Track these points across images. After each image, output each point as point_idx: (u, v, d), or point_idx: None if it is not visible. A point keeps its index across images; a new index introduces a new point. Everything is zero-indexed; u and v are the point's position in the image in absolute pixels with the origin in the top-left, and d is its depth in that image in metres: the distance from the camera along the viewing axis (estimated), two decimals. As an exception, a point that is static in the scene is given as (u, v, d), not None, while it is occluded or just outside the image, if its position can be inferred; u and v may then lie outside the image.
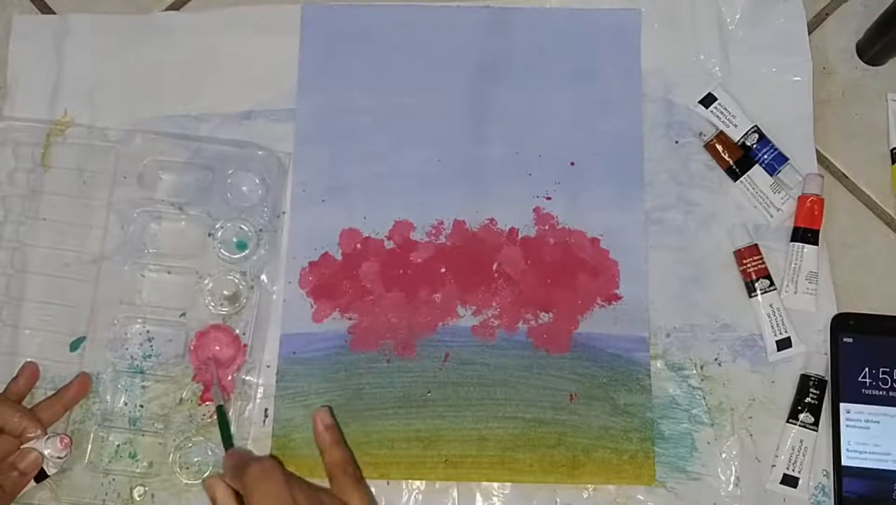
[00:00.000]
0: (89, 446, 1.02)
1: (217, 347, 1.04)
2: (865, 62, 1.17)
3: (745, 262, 1.07)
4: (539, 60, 1.14)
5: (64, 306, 1.07)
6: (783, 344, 1.05)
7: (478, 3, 1.16)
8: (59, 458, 0.98)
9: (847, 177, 1.13)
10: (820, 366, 1.05)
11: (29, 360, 1.05)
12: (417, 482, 1.03)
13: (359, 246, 1.09)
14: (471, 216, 1.10)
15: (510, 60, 1.15)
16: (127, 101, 1.13)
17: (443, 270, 1.09)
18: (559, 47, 1.15)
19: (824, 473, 1.03)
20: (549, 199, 1.10)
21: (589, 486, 1.03)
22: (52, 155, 1.10)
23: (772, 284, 1.06)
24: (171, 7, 1.17)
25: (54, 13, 1.17)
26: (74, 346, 1.06)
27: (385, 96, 1.14)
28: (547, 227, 1.09)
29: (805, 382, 1.04)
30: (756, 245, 1.07)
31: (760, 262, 1.07)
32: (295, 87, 1.13)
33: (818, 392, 1.03)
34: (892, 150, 1.13)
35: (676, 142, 1.12)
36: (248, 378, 1.04)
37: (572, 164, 1.11)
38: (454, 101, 1.13)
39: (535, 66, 1.14)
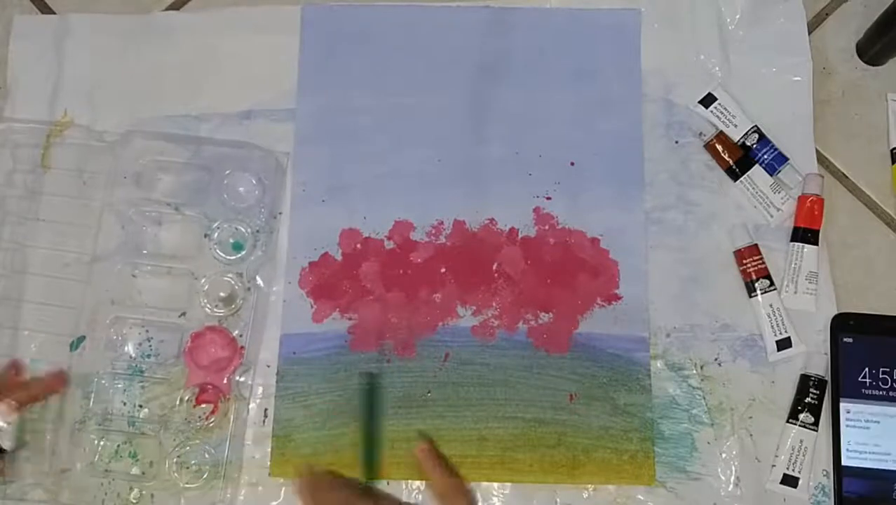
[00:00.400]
0: (89, 447, 1.02)
1: (213, 349, 1.03)
2: (865, 62, 1.16)
3: (745, 262, 1.06)
4: (539, 60, 1.14)
5: (63, 307, 1.06)
6: (783, 344, 1.05)
7: (478, 3, 1.15)
8: (8, 424, 0.96)
9: (847, 177, 1.12)
10: (820, 366, 1.04)
11: (57, 368, 1.04)
12: (417, 482, 1.02)
13: (359, 246, 1.08)
14: (471, 216, 1.09)
15: (510, 60, 1.14)
16: (127, 101, 1.12)
17: (443, 270, 1.08)
18: (559, 47, 1.14)
19: (824, 473, 1.02)
20: (549, 199, 1.09)
21: (589, 486, 1.02)
22: (52, 156, 1.09)
23: (772, 284, 1.06)
24: (171, 7, 1.17)
25: (54, 13, 1.16)
26: (74, 346, 1.05)
27: (385, 96, 1.13)
28: (547, 228, 1.09)
29: (805, 382, 1.03)
30: (756, 245, 1.06)
31: (760, 262, 1.06)
32: (295, 88, 1.13)
33: (818, 392, 1.02)
34: (892, 150, 1.13)
35: (676, 142, 1.11)
36: (243, 379, 1.04)
37: (572, 164, 1.10)
38: (454, 102, 1.12)
39: (536, 66, 1.13)
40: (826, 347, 1.06)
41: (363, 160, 1.11)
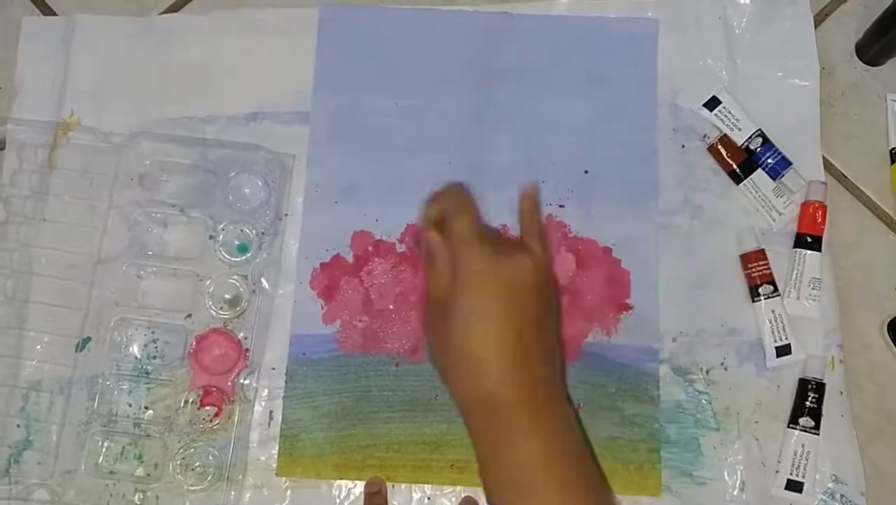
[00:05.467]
0: (94, 448, 0.92)
1: (217, 352, 0.94)
2: (865, 62, 1.05)
3: (749, 266, 0.96)
4: (554, 67, 1.02)
5: (69, 308, 0.96)
6: (782, 351, 0.94)
7: (494, 8, 1.04)
8: None
9: (847, 177, 1.02)
10: (818, 369, 0.93)
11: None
12: (423, 486, 0.93)
13: (370, 248, 0.98)
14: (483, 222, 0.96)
15: (525, 67, 1.03)
16: (134, 103, 1.02)
17: None
18: (575, 54, 1.03)
19: (832, 478, 0.92)
20: (561, 206, 0.99)
21: (594, 491, 0.91)
22: (58, 156, 0.99)
23: (775, 289, 0.95)
24: (171, 8, 1.07)
25: (55, 13, 1.07)
26: (80, 347, 0.95)
27: (399, 99, 1.02)
28: (559, 235, 0.98)
29: (804, 385, 0.93)
30: (762, 250, 0.96)
31: (766, 267, 0.95)
32: (302, 90, 1.02)
33: (817, 396, 0.92)
34: (891, 151, 1.02)
35: (683, 146, 1.01)
36: (248, 382, 0.94)
37: (586, 172, 0.99)
38: (469, 106, 1.02)
39: (550, 73, 1.02)
40: (827, 352, 0.95)
41: (377, 162, 1.00)
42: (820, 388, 0.92)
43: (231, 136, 1.00)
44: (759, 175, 0.98)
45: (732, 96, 1.00)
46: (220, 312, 0.94)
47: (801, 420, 0.91)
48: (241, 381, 0.93)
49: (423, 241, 0.80)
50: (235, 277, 0.95)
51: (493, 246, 0.76)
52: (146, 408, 0.93)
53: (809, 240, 0.95)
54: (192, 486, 0.90)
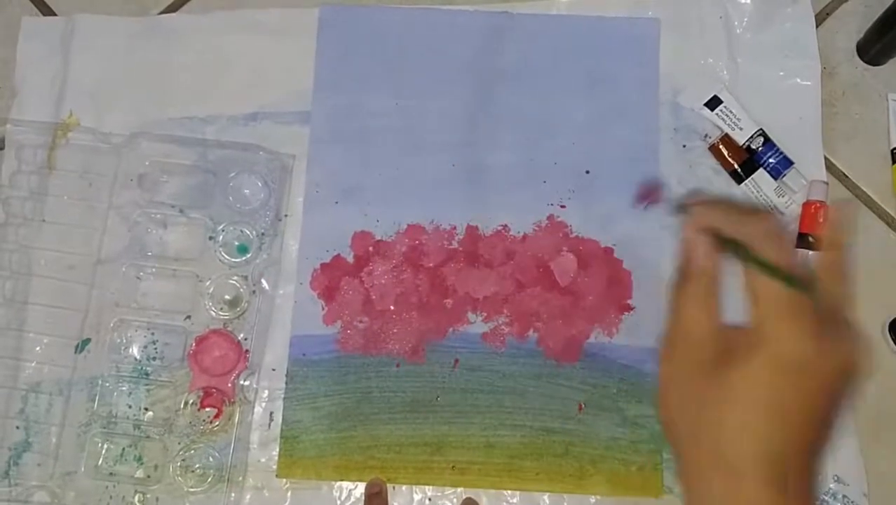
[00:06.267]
0: (94, 450, 0.91)
1: (217, 353, 0.93)
2: (866, 62, 1.04)
3: None
4: (555, 67, 1.01)
5: (68, 309, 0.94)
6: None
7: (495, 7, 1.03)
8: None
9: (847, 177, 1.01)
10: None
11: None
12: (424, 487, 0.91)
13: (371, 249, 0.97)
14: (484, 222, 0.97)
15: (527, 66, 1.01)
16: (133, 103, 1.00)
17: (454, 275, 0.96)
18: (576, 54, 1.02)
19: (834, 478, 0.90)
20: (563, 207, 0.97)
21: (596, 493, 0.93)
22: (58, 157, 0.98)
23: None
24: (170, 7, 1.05)
25: (55, 13, 1.05)
26: (79, 348, 0.93)
27: (400, 99, 1.01)
28: (560, 236, 0.96)
29: None
30: None
31: None
32: (302, 90, 1.01)
33: None
34: (892, 150, 1.01)
35: (684, 146, 0.99)
36: (248, 383, 0.93)
37: (587, 172, 0.98)
38: (470, 106, 1.00)
39: (552, 73, 1.01)
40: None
41: (377, 163, 0.99)
42: (819, 388, 0.90)
43: (231, 137, 0.99)
44: (761, 175, 0.97)
45: (733, 96, 0.98)
46: (220, 312, 0.93)
47: (802, 421, 0.90)
48: (242, 382, 0.92)
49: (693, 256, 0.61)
50: (235, 277, 0.94)
51: (814, 321, 0.56)
52: (146, 409, 0.91)
53: (811, 239, 0.94)
54: (192, 487, 0.89)
